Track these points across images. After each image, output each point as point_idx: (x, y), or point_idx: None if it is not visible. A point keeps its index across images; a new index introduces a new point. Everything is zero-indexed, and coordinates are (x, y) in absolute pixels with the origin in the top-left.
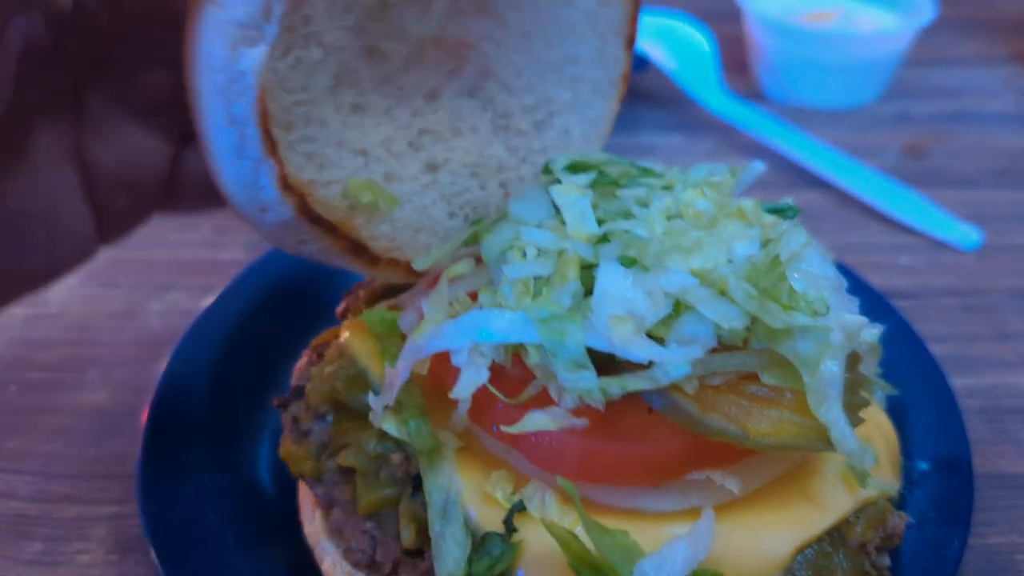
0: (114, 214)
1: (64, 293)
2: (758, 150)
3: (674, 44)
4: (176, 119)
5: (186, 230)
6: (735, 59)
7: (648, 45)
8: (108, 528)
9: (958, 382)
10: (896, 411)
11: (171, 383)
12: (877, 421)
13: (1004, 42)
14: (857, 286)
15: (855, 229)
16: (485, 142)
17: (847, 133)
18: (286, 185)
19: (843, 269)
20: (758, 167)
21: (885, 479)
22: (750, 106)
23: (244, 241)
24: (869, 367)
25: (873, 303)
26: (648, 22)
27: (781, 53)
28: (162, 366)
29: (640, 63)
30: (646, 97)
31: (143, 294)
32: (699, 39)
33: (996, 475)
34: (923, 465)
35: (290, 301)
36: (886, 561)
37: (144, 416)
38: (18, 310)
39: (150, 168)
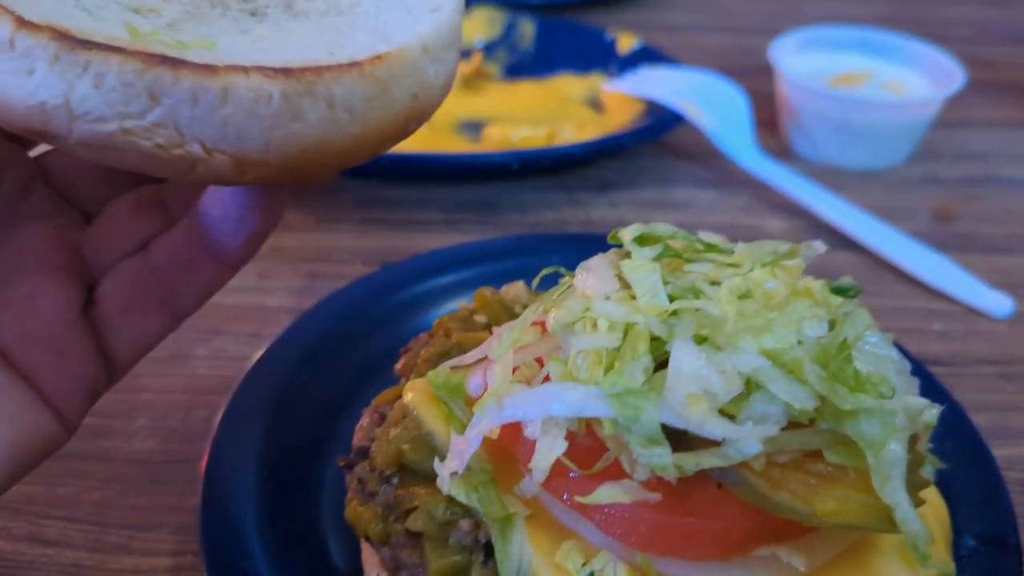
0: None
1: None
2: (791, 208)
3: (710, 101)
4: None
5: None
6: (765, 117)
7: (683, 102)
8: None
9: (997, 453)
10: (942, 484)
11: (226, 438)
12: (929, 497)
13: None
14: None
15: (887, 294)
16: None
17: (876, 194)
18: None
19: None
20: (819, 247)
21: (940, 558)
22: (782, 165)
23: (290, 287)
24: (923, 444)
25: (912, 371)
26: (684, 79)
27: (811, 114)
28: (211, 414)
29: (675, 119)
30: (681, 153)
31: (189, 339)
32: (735, 96)
33: None
34: (970, 542)
35: (343, 352)
36: None
37: (202, 469)
38: None
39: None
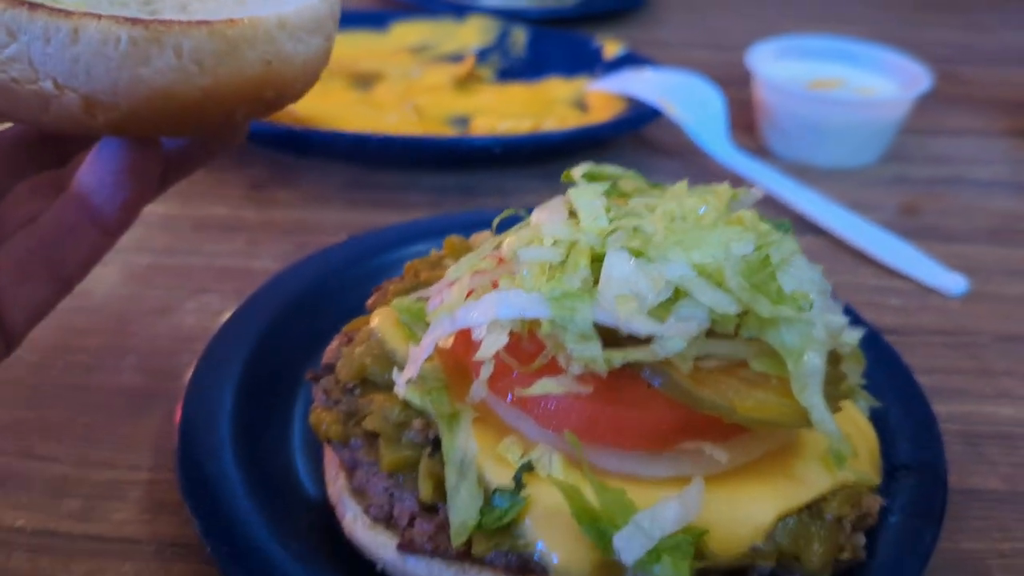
0: None
1: (105, 290)
2: (765, 200)
3: (687, 98)
4: None
5: (221, 242)
6: (743, 121)
7: (662, 98)
8: (142, 491)
9: (940, 408)
10: (879, 423)
11: (206, 369)
12: (858, 423)
13: (1001, 118)
14: (851, 319)
15: (848, 272)
16: None
17: (846, 190)
18: None
19: (838, 302)
20: (757, 192)
21: (863, 469)
22: (757, 160)
23: (277, 253)
24: (852, 372)
25: (866, 336)
26: (663, 78)
27: (788, 114)
28: (193, 358)
29: (654, 113)
30: (660, 148)
31: (179, 295)
32: (711, 95)
33: (970, 490)
34: (901, 467)
35: (321, 302)
36: (862, 540)
37: (182, 395)
38: (64, 302)
39: None
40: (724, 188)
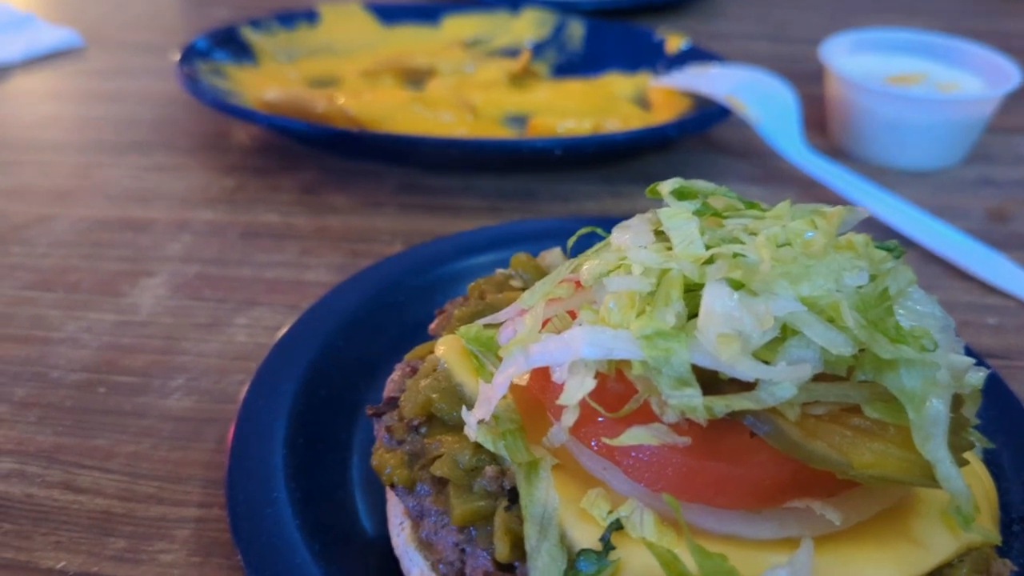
0: None
1: (152, 303)
2: (840, 205)
3: (758, 96)
4: None
5: (272, 251)
6: (814, 119)
7: (731, 95)
8: (191, 530)
9: None
10: (992, 466)
11: (259, 394)
12: (976, 471)
13: None
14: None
15: (939, 288)
16: None
17: (929, 194)
18: None
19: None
20: (863, 211)
21: (985, 527)
22: (832, 162)
23: (330, 264)
24: (969, 413)
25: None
26: (731, 74)
27: (865, 114)
28: (245, 378)
29: (721, 113)
30: (727, 148)
31: (229, 308)
32: (783, 92)
33: None
34: (1020, 520)
35: (379, 319)
36: None
37: (232, 425)
38: (108, 316)
39: None
40: (836, 211)
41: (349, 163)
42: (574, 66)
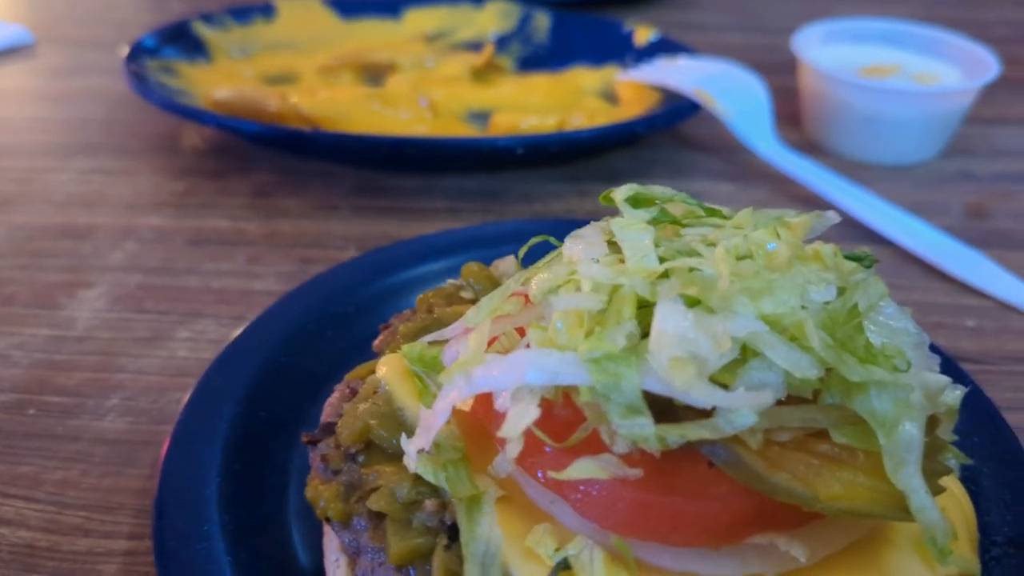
0: None
1: (89, 316)
2: (813, 202)
3: (728, 90)
4: None
5: (220, 259)
6: (787, 112)
7: (700, 89)
8: (119, 565)
9: None
10: (969, 483)
11: (194, 416)
12: (953, 492)
13: None
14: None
15: (916, 288)
16: None
17: (906, 190)
18: None
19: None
20: (833, 217)
21: (964, 556)
22: (805, 158)
23: (279, 272)
24: (946, 432)
25: (941, 365)
26: (701, 67)
27: (839, 106)
28: (186, 396)
29: (691, 108)
30: (697, 144)
31: (171, 321)
32: (754, 85)
33: None
34: (999, 543)
35: (326, 333)
36: None
37: (164, 449)
38: (42, 331)
39: None
40: (802, 220)
41: (303, 164)
42: (540, 59)
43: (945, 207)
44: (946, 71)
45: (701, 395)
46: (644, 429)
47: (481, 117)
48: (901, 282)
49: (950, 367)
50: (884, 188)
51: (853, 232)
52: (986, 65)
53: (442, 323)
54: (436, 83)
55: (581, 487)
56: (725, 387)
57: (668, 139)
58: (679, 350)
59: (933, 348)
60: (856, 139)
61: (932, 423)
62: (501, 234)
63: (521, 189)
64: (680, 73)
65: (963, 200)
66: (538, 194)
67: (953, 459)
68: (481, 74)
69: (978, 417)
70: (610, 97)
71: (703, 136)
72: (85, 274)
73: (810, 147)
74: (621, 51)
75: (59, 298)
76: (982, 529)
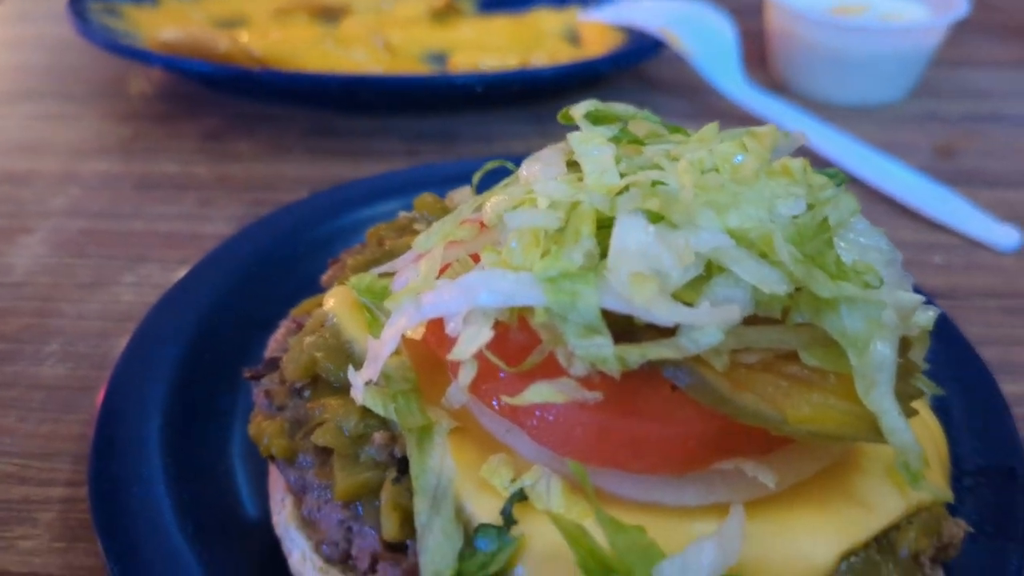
0: None
1: (29, 262)
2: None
3: (694, 29)
4: None
5: (169, 203)
6: (756, 53)
7: (665, 29)
8: (56, 512)
9: (1004, 388)
10: (941, 414)
11: (133, 358)
12: (925, 421)
13: None
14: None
15: (884, 226)
16: None
17: (874, 130)
18: None
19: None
20: (800, 137)
21: (937, 483)
22: (773, 97)
23: (230, 215)
24: (918, 357)
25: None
26: (666, 6)
27: (807, 46)
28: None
29: (655, 46)
30: (662, 85)
31: (115, 266)
32: (721, 25)
33: None
34: (972, 473)
35: (273, 274)
36: (940, 575)
37: (101, 392)
38: None
39: None
40: (769, 130)
41: (255, 107)
42: (501, 1)
43: (913, 147)
44: (913, 10)
45: (663, 312)
46: (603, 349)
47: (439, 59)
48: (869, 220)
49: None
50: (852, 128)
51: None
52: (953, 4)
53: (393, 255)
54: (393, 25)
55: (537, 413)
56: (689, 305)
57: (633, 80)
58: (640, 265)
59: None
60: (824, 80)
61: (905, 345)
62: (457, 172)
63: (480, 131)
64: (645, 12)
65: (931, 140)
66: (498, 135)
67: (925, 389)
68: (440, 16)
69: (949, 349)
70: (573, 39)
71: (668, 77)
72: (24, 220)
73: (778, 88)
74: None
75: None
76: (953, 460)
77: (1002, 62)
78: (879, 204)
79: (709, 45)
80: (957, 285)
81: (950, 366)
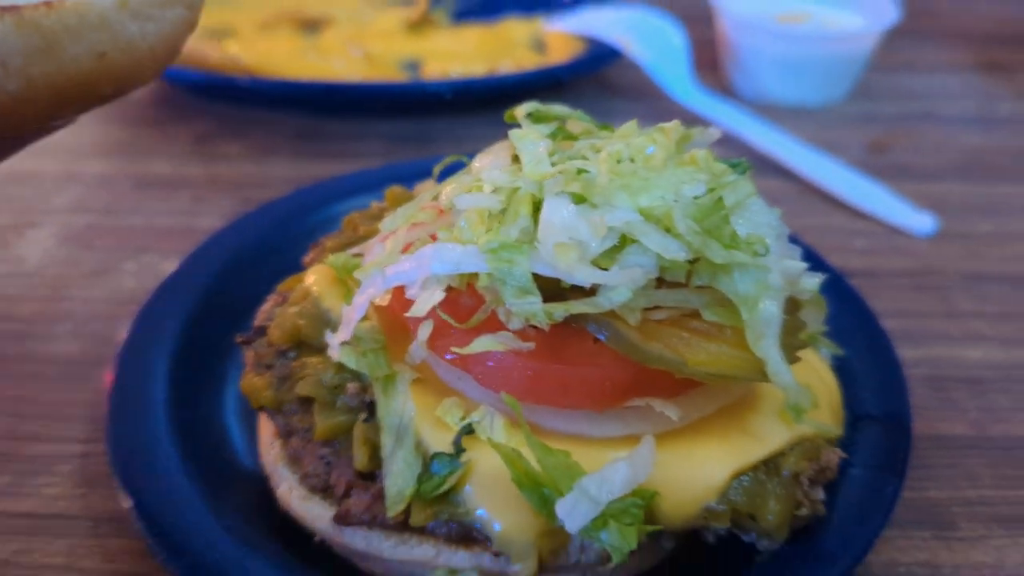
0: None
1: (40, 255)
2: (727, 142)
3: (647, 36)
4: None
5: (164, 200)
6: (706, 59)
7: (621, 37)
8: (75, 465)
9: (906, 353)
10: (843, 372)
11: (139, 332)
12: (819, 372)
13: (969, 52)
14: (814, 263)
15: (814, 214)
16: None
17: (814, 129)
18: None
19: (800, 246)
20: (714, 132)
21: (823, 421)
22: (721, 100)
23: (221, 211)
24: (812, 320)
25: (829, 280)
26: (622, 15)
27: (753, 51)
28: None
29: (612, 54)
30: (621, 90)
31: (118, 256)
32: (671, 32)
33: (937, 436)
34: (864, 417)
35: (261, 260)
36: (820, 494)
37: (113, 362)
38: None
39: None
40: (674, 125)
41: (244, 112)
42: (473, 11)
43: (848, 145)
44: (851, 19)
45: (582, 275)
46: (534, 306)
47: (414, 66)
48: (802, 209)
49: (837, 282)
50: (794, 127)
51: (761, 165)
52: (887, 12)
53: (366, 239)
54: (372, 36)
55: (484, 361)
56: (605, 270)
57: (593, 86)
58: (563, 237)
59: (825, 267)
60: (768, 83)
61: (793, 305)
62: (426, 168)
63: (453, 133)
64: (603, 22)
65: (866, 138)
66: (469, 137)
67: (825, 349)
68: (416, 27)
69: (857, 320)
70: (539, 47)
71: (627, 83)
72: (31, 216)
73: (727, 91)
74: (549, 2)
75: (7, 237)
76: (849, 408)
77: (934, 65)
78: (813, 196)
79: (661, 52)
80: (877, 266)
81: (856, 333)
